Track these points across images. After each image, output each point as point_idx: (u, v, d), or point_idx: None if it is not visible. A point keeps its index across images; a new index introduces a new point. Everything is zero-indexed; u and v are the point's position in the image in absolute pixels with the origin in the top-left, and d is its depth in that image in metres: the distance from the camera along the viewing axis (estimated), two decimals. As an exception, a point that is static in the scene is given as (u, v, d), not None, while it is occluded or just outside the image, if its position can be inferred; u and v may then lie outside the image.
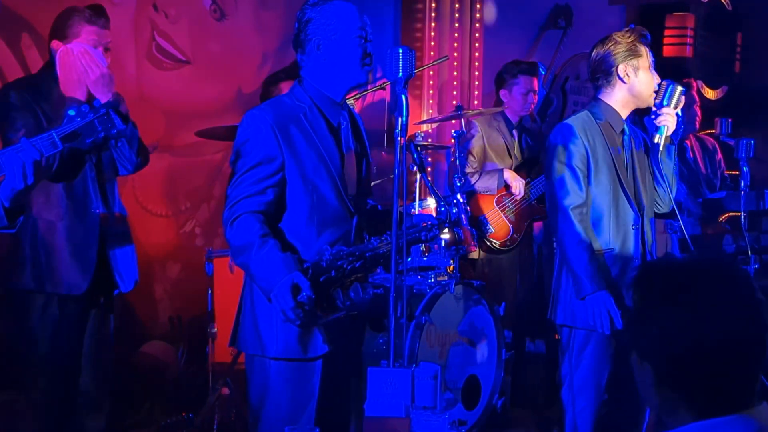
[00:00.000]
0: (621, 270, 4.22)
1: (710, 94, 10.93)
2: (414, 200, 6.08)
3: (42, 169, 3.31)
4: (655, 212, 4.46)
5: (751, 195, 6.29)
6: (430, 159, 8.07)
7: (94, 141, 3.39)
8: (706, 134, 7.65)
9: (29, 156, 3.24)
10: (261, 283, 3.50)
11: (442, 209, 3.83)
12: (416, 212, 5.93)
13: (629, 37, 4.27)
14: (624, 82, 4.27)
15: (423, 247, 5.57)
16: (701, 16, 10.91)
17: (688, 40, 10.67)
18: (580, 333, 4.25)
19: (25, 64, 5.66)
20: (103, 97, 4.11)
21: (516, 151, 6.66)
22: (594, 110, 4.34)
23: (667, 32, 10.66)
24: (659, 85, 4.25)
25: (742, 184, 5.80)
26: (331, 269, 3.47)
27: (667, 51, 10.65)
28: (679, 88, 4.22)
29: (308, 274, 3.44)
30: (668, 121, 4.23)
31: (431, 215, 3.90)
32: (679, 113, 4.29)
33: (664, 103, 4.22)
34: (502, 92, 6.71)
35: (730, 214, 6.90)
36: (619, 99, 4.30)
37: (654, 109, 4.28)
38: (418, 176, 6.07)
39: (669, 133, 4.24)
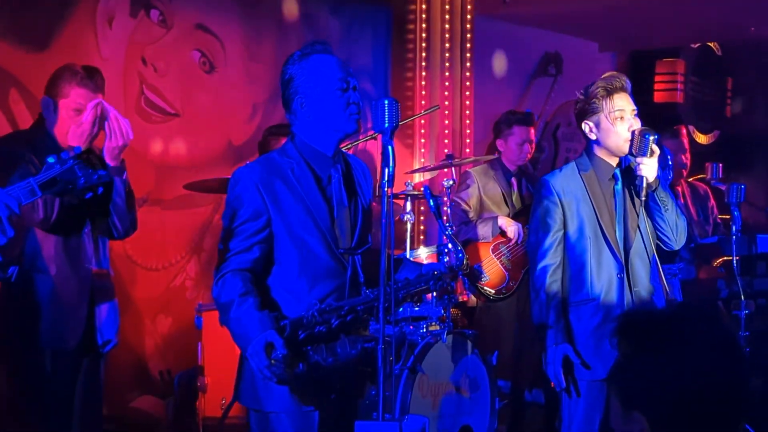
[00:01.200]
0: (603, 319, 4.23)
1: (702, 138, 10.95)
2: (405, 250, 6.05)
3: (22, 219, 3.27)
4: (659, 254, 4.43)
5: (743, 239, 6.27)
6: (422, 208, 8.07)
7: (75, 187, 3.37)
8: (698, 179, 7.65)
9: (3, 207, 3.21)
10: (237, 341, 3.52)
11: (460, 255, 3.76)
12: (423, 259, 5.92)
13: (587, 94, 4.29)
14: (589, 138, 4.31)
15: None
16: (691, 61, 10.97)
17: (679, 86, 10.72)
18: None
19: (14, 119, 5.67)
20: (112, 164, 4.18)
21: (515, 199, 6.64)
22: (580, 161, 4.38)
23: (657, 78, 10.72)
24: (632, 134, 4.23)
25: (734, 228, 5.78)
26: (313, 325, 3.45)
27: (658, 97, 10.70)
28: (651, 137, 4.17)
29: (285, 332, 3.42)
30: (645, 171, 4.20)
31: (440, 263, 3.86)
32: (658, 159, 4.25)
33: (639, 153, 4.20)
34: (498, 142, 6.70)
35: (724, 258, 6.89)
36: (599, 150, 4.33)
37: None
38: (408, 225, 6.06)
39: (650, 181, 4.21)
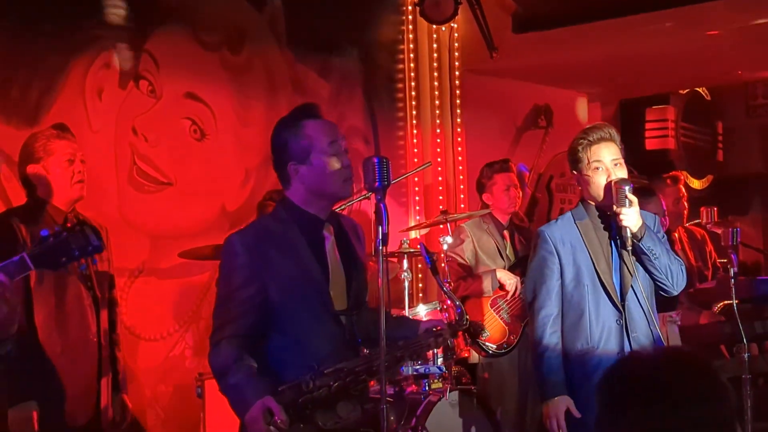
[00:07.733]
0: (603, 368, 4.17)
1: (695, 184, 10.97)
2: (404, 308, 6.01)
3: (14, 293, 3.19)
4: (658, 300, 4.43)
5: (742, 282, 6.24)
6: (419, 265, 8.04)
7: (69, 260, 3.27)
8: (694, 224, 7.65)
9: None
10: (235, 408, 3.49)
11: (459, 311, 3.75)
12: (422, 317, 5.88)
13: (572, 146, 4.32)
14: (581, 187, 4.36)
15: (415, 355, 5.49)
16: (681, 107, 11.02)
17: (670, 132, 10.76)
18: None
19: (6, 196, 5.65)
20: None
21: (508, 251, 6.63)
22: (576, 211, 4.41)
23: (648, 125, 10.77)
24: (608, 186, 4.21)
25: (732, 272, 5.75)
26: (312, 389, 3.41)
27: (650, 144, 10.73)
28: (627, 187, 4.16)
29: (283, 397, 3.38)
30: (627, 221, 4.16)
31: (439, 321, 3.85)
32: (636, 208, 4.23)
33: (618, 204, 4.17)
34: (484, 196, 6.71)
35: (725, 302, 6.85)
36: (593, 199, 4.33)
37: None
38: (406, 283, 6.02)
39: (633, 231, 4.18)
